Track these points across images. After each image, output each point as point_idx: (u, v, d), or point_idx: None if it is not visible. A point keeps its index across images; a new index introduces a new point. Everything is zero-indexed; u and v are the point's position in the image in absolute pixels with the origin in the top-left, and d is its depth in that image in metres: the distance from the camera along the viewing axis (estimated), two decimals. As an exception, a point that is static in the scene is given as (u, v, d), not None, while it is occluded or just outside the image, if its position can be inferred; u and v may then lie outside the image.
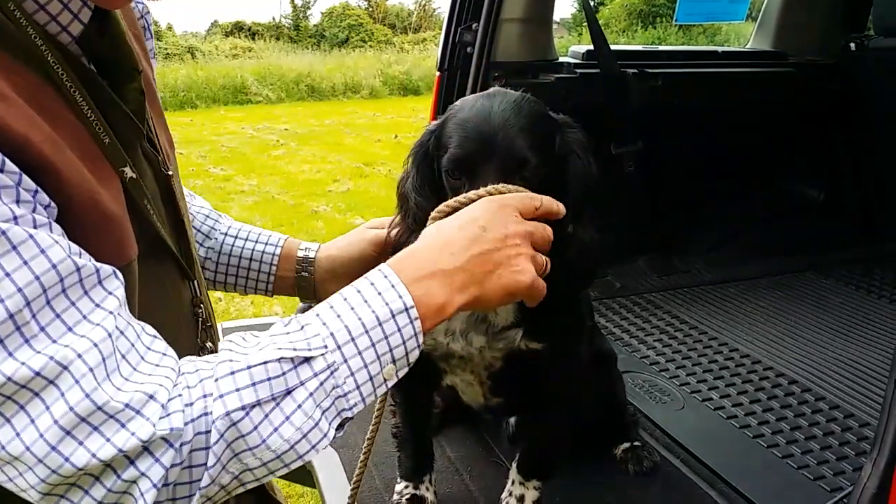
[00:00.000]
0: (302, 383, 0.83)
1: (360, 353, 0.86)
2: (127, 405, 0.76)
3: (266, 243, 1.50)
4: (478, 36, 2.89)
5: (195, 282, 1.12)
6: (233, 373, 0.82)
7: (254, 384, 0.81)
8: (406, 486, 1.89)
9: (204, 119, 13.26)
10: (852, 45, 3.72)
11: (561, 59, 3.24)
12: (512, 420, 2.10)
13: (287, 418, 0.82)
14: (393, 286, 0.90)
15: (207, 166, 9.68)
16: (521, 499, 1.82)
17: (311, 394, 0.83)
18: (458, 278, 0.93)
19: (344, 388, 0.85)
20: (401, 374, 0.91)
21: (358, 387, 0.86)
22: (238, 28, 24.25)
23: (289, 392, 0.82)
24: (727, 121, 3.60)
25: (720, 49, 4.00)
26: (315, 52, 20.02)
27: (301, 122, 13.15)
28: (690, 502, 1.99)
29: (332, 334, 0.86)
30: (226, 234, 1.51)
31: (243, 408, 0.80)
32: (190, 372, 0.84)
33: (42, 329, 0.73)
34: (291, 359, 0.83)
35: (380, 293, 0.89)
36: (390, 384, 0.90)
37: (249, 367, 0.82)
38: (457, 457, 2.15)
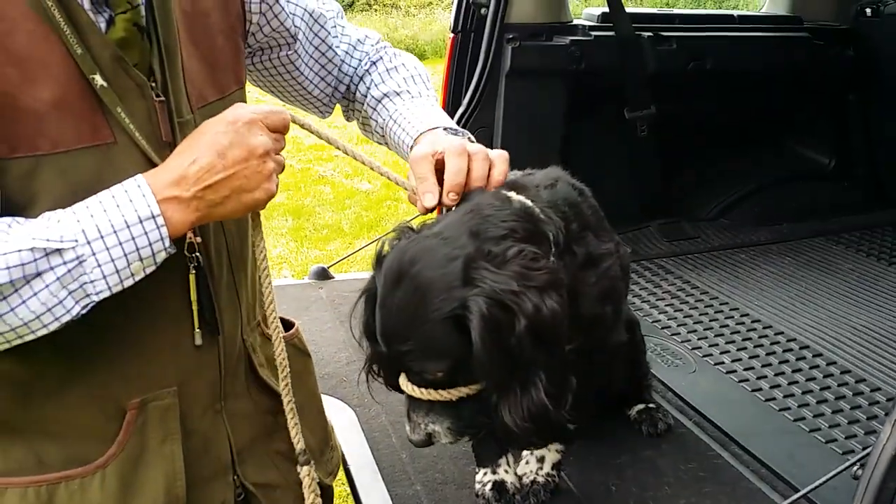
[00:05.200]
0: (51, 268, 1.01)
1: (107, 249, 1.03)
2: None
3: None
4: (492, -3, 2.87)
5: None
6: None
7: (8, 268, 0.99)
8: (485, 473, 1.81)
9: (208, 82, 13.09)
10: (868, 10, 3.69)
11: (575, 22, 3.22)
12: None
13: (35, 294, 1.01)
14: (144, 196, 1.05)
15: (212, 130, 9.58)
16: (541, 459, 1.83)
17: (58, 277, 1.01)
18: (193, 205, 1.08)
19: (91, 276, 1.03)
20: (148, 270, 1.08)
21: (104, 276, 1.04)
22: (241, -10, 23.95)
23: (39, 274, 1.00)
24: (741, 86, 3.57)
25: (735, 13, 3.96)
26: (319, 14, 19.77)
27: (306, 85, 12.96)
28: (703, 464, 2.01)
29: (83, 231, 1.02)
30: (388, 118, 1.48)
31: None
32: None
33: None
34: (44, 248, 1.00)
35: (131, 200, 1.05)
36: (138, 278, 1.07)
37: (4, 254, 0.99)
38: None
